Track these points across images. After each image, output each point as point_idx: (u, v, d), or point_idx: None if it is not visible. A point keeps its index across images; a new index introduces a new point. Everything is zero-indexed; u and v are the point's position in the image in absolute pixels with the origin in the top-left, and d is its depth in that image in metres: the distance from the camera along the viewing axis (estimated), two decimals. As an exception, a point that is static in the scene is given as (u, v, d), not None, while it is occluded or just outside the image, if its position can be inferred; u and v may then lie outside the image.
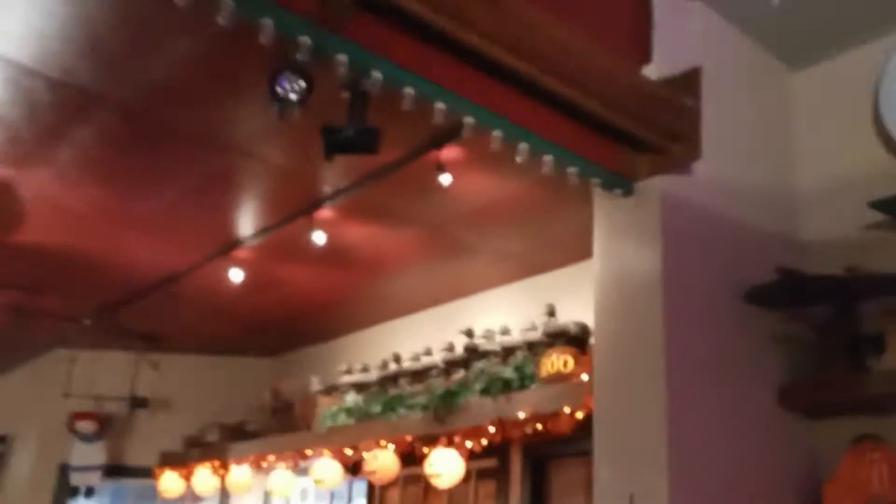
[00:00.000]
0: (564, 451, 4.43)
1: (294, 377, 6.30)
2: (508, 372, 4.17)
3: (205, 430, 6.71)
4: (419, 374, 4.95)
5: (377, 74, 2.27)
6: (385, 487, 5.07)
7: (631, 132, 2.77)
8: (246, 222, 4.69)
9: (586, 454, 4.39)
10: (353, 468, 5.03)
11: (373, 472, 4.71)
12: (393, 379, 5.10)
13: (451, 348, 4.82)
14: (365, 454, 4.81)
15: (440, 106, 2.40)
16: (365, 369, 5.34)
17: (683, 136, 2.87)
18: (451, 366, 4.75)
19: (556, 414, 3.80)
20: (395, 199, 4.35)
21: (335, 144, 2.88)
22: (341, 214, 4.49)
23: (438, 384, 4.65)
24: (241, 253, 4.99)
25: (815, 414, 3.03)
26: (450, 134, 3.68)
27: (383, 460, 4.71)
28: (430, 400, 4.48)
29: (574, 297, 4.53)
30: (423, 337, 5.47)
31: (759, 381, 2.98)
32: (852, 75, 3.27)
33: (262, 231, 4.72)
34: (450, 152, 3.78)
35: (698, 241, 2.94)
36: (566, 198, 4.18)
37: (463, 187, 4.02)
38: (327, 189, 4.29)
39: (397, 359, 5.18)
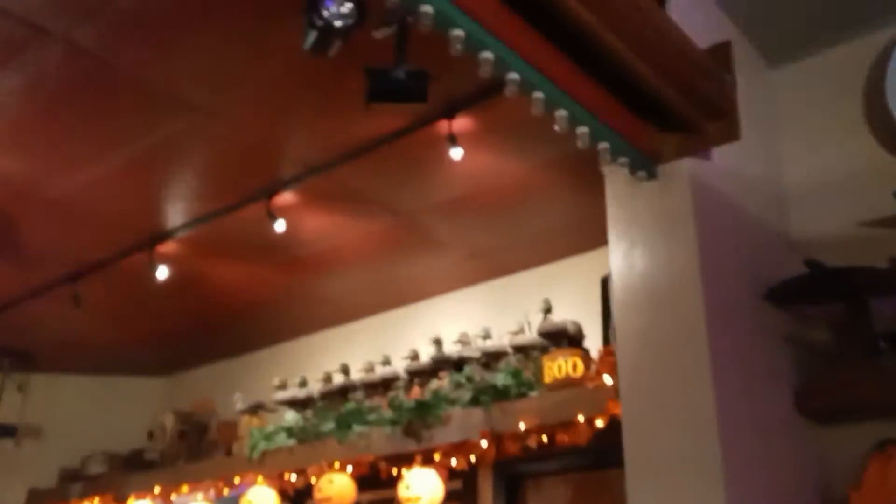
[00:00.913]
0: (543, 470, 3.99)
1: (201, 397, 5.50)
2: (501, 378, 3.66)
3: (87, 460, 5.75)
4: (375, 387, 4.35)
5: (428, 8, 1.89)
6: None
7: (674, 102, 2.43)
8: (181, 208, 3.97)
9: (569, 471, 4.02)
10: (298, 496, 4.36)
11: (328, 499, 4.07)
12: (340, 393, 4.47)
13: (415, 356, 4.28)
14: (314, 479, 4.16)
15: (487, 55, 2.02)
16: (303, 383, 4.68)
17: (722, 113, 2.57)
18: (415, 376, 4.20)
19: (571, 423, 3.35)
20: (367, 181, 3.79)
21: (382, 90, 2.37)
22: (299, 199, 3.89)
23: (403, 396, 4.08)
24: (165, 246, 4.26)
25: (831, 418, 2.82)
26: (460, 103, 3.24)
27: (340, 485, 4.08)
28: (400, 414, 3.91)
29: (552, 296, 4.12)
30: (371, 345, 4.88)
31: (778, 384, 2.74)
32: (834, 73, 3.17)
33: (202, 218, 4.01)
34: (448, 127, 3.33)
35: (725, 232, 2.68)
36: (553, 186, 3.81)
37: (450, 170, 3.56)
38: (291, 167, 3.68)
39: (346, 370, 4.56)
